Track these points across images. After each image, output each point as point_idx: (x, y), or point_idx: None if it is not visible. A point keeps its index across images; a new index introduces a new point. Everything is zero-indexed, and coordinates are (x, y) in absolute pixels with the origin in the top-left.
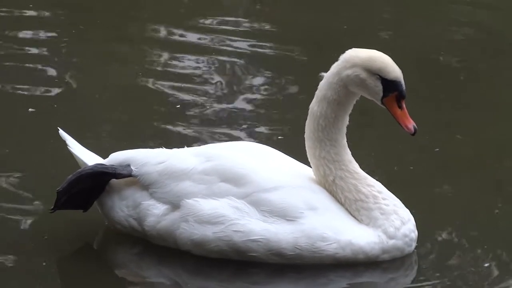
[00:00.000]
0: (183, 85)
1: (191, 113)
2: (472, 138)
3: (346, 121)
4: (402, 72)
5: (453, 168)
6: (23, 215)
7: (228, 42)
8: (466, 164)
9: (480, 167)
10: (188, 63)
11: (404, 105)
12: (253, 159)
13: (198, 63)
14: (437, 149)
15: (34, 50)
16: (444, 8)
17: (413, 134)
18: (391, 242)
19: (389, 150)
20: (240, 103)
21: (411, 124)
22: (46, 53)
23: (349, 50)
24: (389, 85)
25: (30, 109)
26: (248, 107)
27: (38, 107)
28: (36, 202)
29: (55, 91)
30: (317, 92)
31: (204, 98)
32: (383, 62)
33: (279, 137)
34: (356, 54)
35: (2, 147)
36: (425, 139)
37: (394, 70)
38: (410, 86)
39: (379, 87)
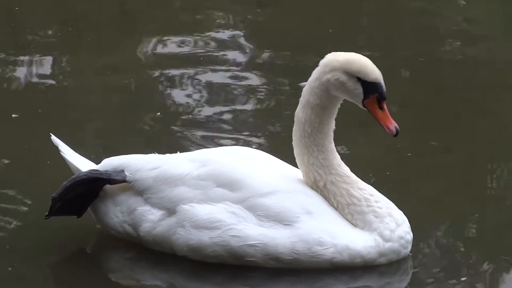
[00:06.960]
0: (174, 90)
1: (183, 119)
2: (446, 142)
3: (332, 125)
4: (388, 74)
5: (428, 173)
6: (16, 221)
7: (219, 48)
8: (441, 168)
9: (454, 171)
10: (181, 69)
11: (385, 106)
12: (248, 164)
13: (190, 68)
14: (409, 154)
15: (20, 55)
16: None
17: (395, 135)
18: (388, 245)
19: (361, 156)
20: (230, 109)
21: (392, 125)
22: (31, 57)
23: (328, 54)
24: (369, 87)
25: (13, 115)
26: (238, 113)
27: (22, 112)
28: (27, 209)
29: (40, 96)
30: (300, 99)
31: (196, 102)
32: (362, 64)
33: (269, 143)
34: (335, 58)
35: None
36: (400, 145)
37: (373, 71)
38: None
39: (359, 89)
